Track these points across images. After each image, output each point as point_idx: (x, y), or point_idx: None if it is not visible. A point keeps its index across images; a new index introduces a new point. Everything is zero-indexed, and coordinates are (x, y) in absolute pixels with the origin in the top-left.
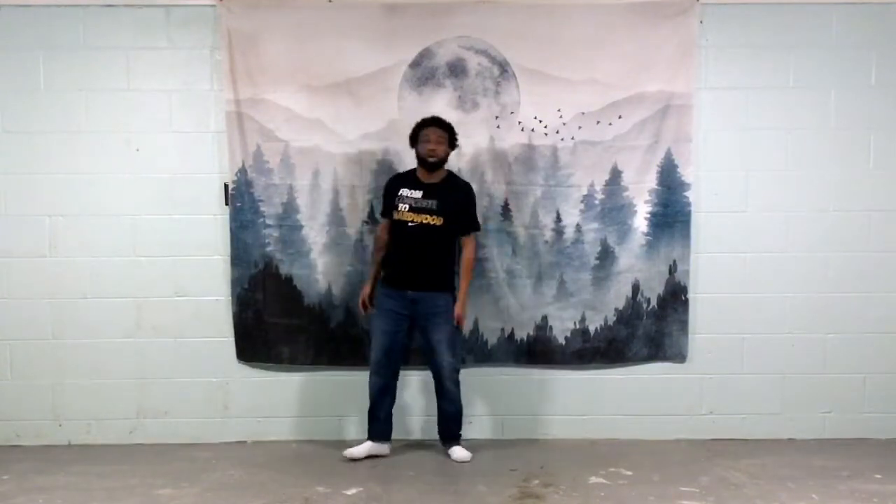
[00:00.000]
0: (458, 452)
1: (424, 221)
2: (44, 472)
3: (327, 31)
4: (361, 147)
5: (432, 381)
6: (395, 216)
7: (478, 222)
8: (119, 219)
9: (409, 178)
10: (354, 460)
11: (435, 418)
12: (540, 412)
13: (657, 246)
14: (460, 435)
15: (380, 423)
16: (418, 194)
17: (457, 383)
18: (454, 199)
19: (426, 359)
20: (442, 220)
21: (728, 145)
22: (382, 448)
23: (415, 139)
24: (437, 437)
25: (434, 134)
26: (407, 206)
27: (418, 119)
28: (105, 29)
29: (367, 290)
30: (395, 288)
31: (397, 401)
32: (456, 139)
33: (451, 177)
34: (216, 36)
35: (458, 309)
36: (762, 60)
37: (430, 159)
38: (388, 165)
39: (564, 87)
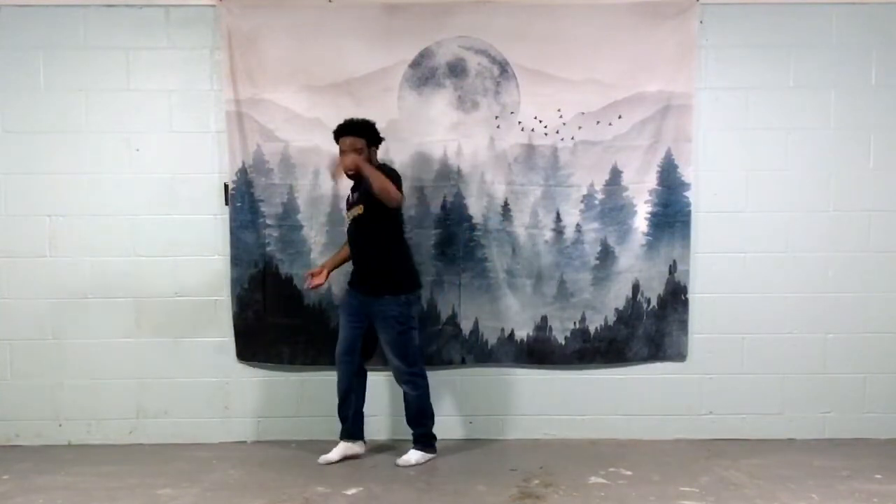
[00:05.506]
0: (405, 455)
1: (354, 216)
2: (44, 472)
3: (327, 31)
4: None
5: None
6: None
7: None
8: (119, 219)
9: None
10: (330, 464)
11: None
12: (540, 412)
13: (657, 246)
14: (421, 437)
15: (347, 422)
16: (350, 194)
17: (413, 385)
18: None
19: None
20: (363, 207)
21: (728, 145)
22: (354, 448)
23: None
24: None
25: (351, 144)
26: (346, 209)
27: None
28: (105, 29)
29: (319, 269)
30: (350, 287)
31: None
32: (377, 133)
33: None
34: (216, 36)
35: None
36: (762, 60)
37: (349, 172)
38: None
39: (564, 87)
